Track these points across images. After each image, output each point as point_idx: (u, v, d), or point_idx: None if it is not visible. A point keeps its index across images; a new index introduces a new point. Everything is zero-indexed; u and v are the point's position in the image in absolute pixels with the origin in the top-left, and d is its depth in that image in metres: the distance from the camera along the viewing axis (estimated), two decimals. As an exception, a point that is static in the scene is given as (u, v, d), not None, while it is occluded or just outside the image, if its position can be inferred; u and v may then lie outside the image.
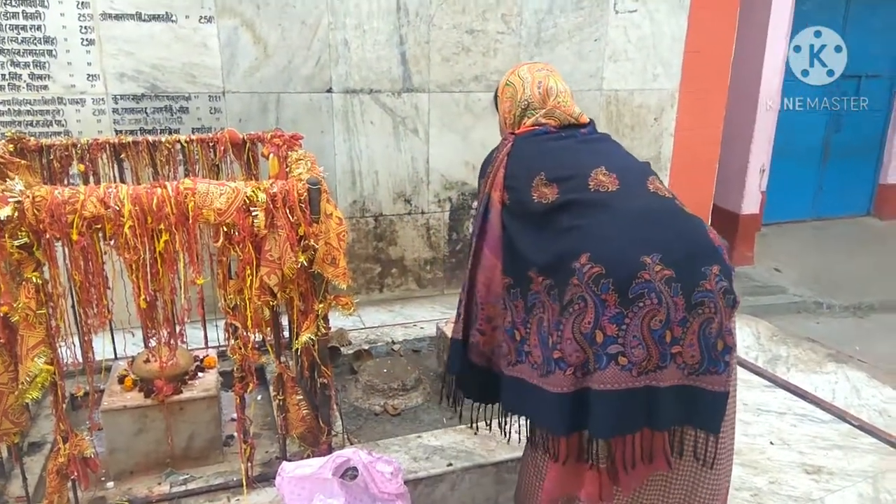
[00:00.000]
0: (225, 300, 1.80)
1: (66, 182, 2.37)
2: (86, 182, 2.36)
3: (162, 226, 1.64)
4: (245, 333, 1.82)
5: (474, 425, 1.88)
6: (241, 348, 1.83)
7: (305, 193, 1.75)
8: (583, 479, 1.50)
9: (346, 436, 2.25)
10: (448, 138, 3.75)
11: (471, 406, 1.88)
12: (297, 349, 1.91)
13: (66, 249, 1.62)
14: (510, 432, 2.02)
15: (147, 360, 2.15)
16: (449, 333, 2.67)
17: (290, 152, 2.21)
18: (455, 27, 3.59)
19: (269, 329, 1.91)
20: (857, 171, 6.63)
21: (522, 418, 1.73)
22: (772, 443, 2.49)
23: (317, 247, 1.77)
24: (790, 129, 5.89)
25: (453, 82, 3.67)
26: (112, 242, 1.64)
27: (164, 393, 2.08)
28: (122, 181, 2.40)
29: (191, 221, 1.65)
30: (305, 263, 1.77)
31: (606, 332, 1.37)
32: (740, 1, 4.35)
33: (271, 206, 1.71)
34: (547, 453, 1.54)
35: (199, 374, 2.25)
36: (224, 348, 2.14)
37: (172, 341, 1.94)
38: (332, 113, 3.49)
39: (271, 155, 2.41)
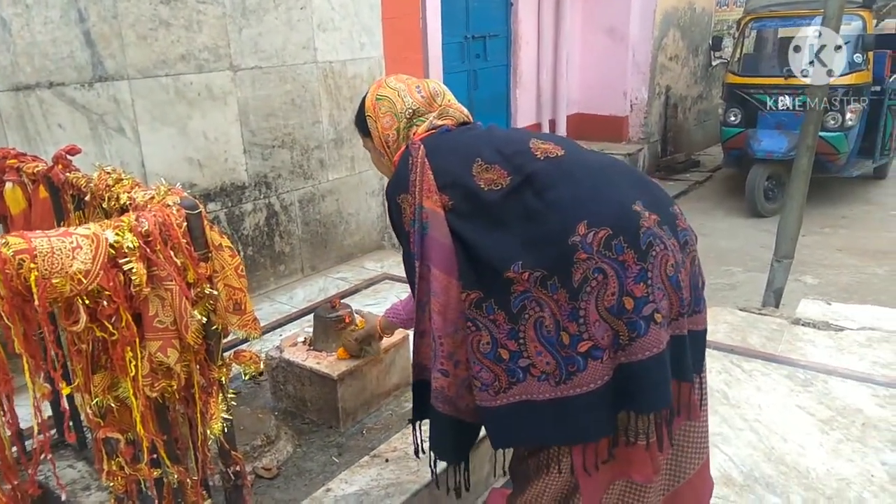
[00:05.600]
0: (90, 407, 1.18)
1: None
2: None
3: (-16, 322, 0.97)
4: (128, 446, 1.22)
5: (451, 490, 1.59)
6: (122, 469, 1.23)
7: (184, 223, 1.22)
8: (623, 466, 1.38)
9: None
10: (163, 133, 3.07)
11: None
12: (198, 442, 1.36)
13: None
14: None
15: None
16: (290, 357, 2.26)
17: (67, 174, 1.52)
18: (146, -4, 2.91)
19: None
20: (495, 123, 7.53)
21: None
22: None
23: (215, 292, 1.26)
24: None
25: (157, 64, 3.00)
26: None
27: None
28: None
29: (38, 301, 1.01)
30: (203, 319, 1.25)
31: (636, 295, 1.24)
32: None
33: (147, 251, 1.15)
34: (574, 471, 1.37)
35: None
36: None
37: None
38: (-1, 120, 2.54)
39: (9, 184, 1.64)
